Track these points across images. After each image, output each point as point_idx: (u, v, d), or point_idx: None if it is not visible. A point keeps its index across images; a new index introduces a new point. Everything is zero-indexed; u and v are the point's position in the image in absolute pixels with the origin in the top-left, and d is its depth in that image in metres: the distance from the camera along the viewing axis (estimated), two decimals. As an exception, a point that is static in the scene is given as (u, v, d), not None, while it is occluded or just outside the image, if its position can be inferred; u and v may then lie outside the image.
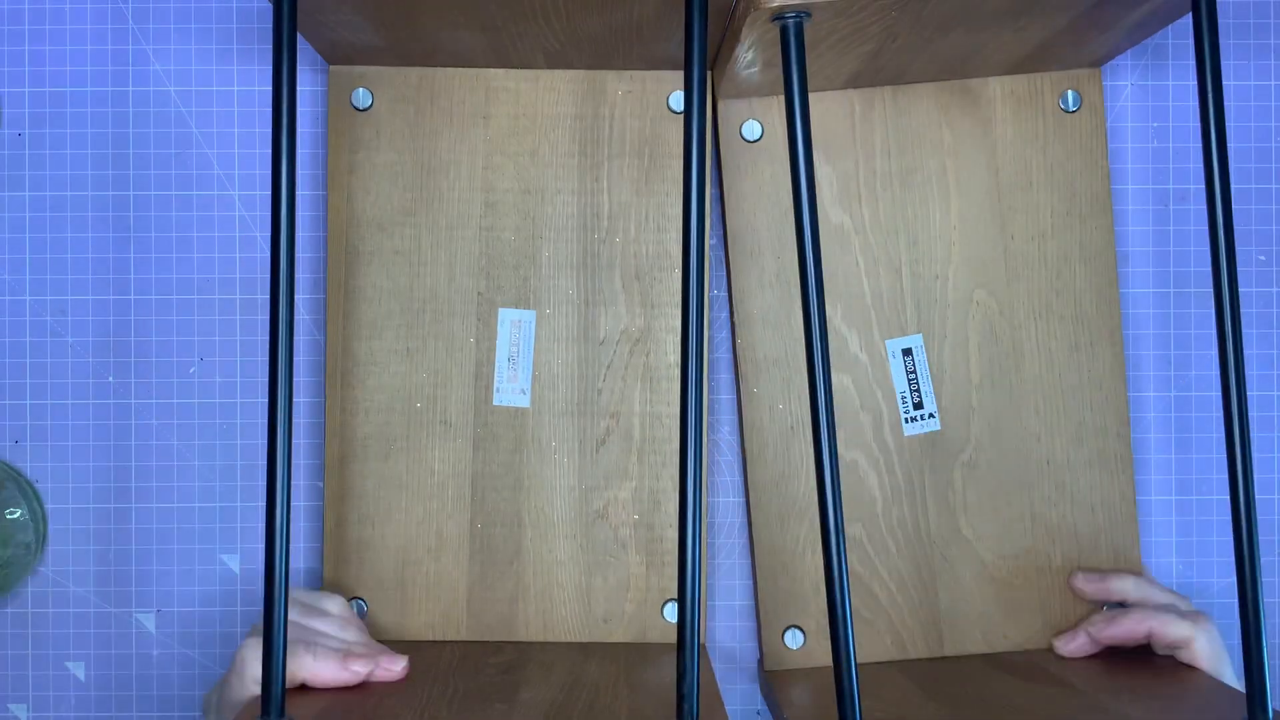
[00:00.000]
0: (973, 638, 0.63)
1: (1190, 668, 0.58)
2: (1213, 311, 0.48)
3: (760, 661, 0.64)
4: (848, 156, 0.63)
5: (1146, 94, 0.65)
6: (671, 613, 0.63)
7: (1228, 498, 0.49)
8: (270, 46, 0.63)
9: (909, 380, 0.63)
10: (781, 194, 0.63)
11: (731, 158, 0.63)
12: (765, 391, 0.63)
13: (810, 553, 0.63)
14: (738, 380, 0.63)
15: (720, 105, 0.63)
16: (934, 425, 0.63)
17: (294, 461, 0.64)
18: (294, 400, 0.51)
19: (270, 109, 0.64)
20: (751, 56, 0.54)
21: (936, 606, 0.63)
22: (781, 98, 0.62)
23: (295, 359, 0.56)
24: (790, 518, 0.63)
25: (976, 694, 0.56)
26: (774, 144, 0.63)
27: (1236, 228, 0.65)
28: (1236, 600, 0.47)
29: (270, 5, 0.54)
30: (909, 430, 0.63)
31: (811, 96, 0.63)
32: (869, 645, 0.63)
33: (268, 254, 0.64)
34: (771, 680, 0.61)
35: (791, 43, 0.46)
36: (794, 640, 0.63)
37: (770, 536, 0.63)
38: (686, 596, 0.44)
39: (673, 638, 0.62)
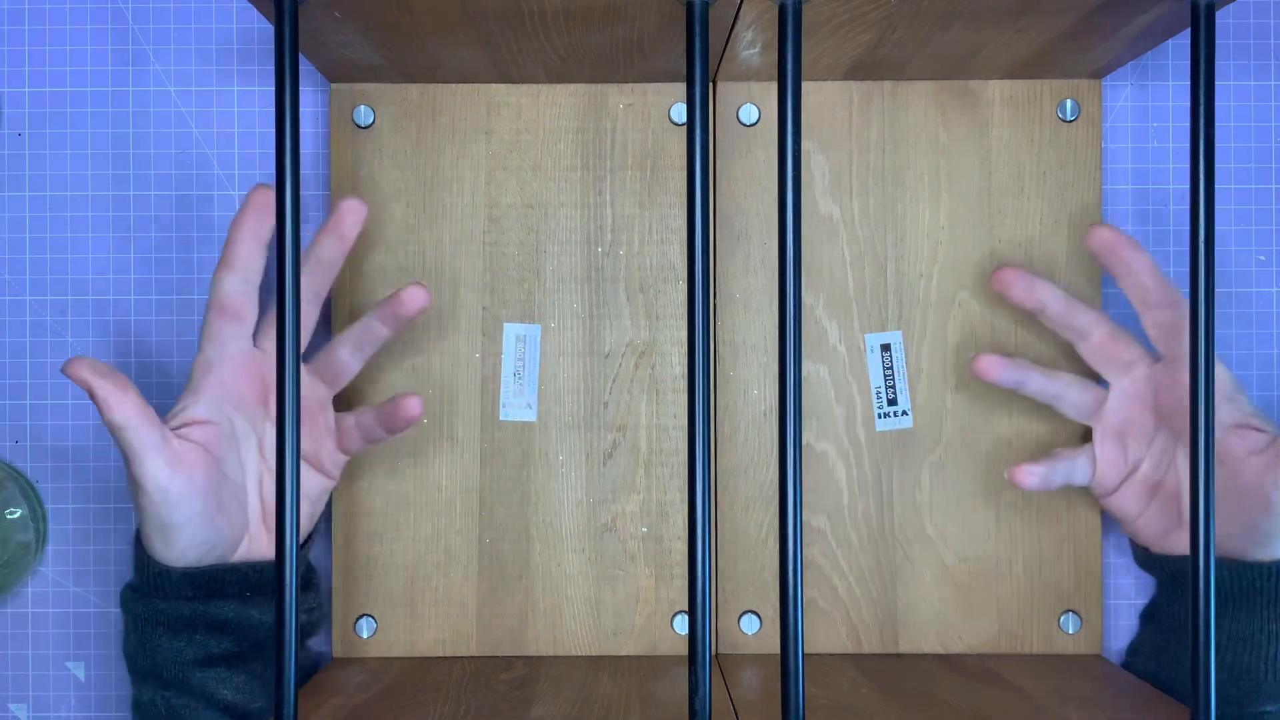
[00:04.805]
0: (927, 637, 0.63)
1: (1139, 680, 0.59)
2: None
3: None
4: (842, 148, 0.63)
5: (1146, 110, 0.65)
6: (681, 625, 0.63)
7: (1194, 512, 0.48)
8: (270, 65, 0.64)
9: (885, 376, 0.63)
10: (773, 180, 0.63)
11: (727, 140, 0.63)
12: (741, 376, 0.63)
13: (773, 539, 0.63)
14: (713, 363, 0.64)
15: (719, 88, 0.63)
16: (906, 423, 0.63)
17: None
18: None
19: (270, 123, 0.64)
20: (751, 36, 0.54)
21: (894, 603, 0.63)
22: (780, 84, 0.62)
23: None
24: (756, 504, 0.63)
25: (926, 692, 0.56)
26: (770, 129, 0.63)
27: (1236, 228, 0.65)
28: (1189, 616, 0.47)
29: (271, 26, 0.54)
30: (881, 426, 0.63)
31: (810, 86, 0.63)
32: (824, 636, 0.63)
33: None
34: (723, 664, 0.61)
35: (789, 24, 0.46)
36: (750, 626, 0.63)
37: (734, 521, 0.63)
38: (697, 609, 0.44)
39: (683, 650, 0.62)
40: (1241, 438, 0.55)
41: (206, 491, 0.53)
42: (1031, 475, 0.58)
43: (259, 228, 0.55)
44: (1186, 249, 0.64)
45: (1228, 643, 0.56)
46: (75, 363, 0.50)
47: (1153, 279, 0.57)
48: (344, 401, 0.62)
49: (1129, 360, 0.58)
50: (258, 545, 0.56)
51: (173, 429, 0.53)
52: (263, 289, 0.56)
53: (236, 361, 0.56)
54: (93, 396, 0.50)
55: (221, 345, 0.55)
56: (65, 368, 0.50)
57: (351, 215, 0.56)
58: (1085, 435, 0.61)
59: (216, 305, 0.55)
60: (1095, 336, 0.58)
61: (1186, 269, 0.64)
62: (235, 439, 0.56)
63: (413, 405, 0.56)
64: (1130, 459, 0.59)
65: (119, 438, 0.51)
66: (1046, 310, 0.59)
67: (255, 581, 0.56)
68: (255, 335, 0.57)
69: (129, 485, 0.53)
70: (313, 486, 0.58)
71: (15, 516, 0.62)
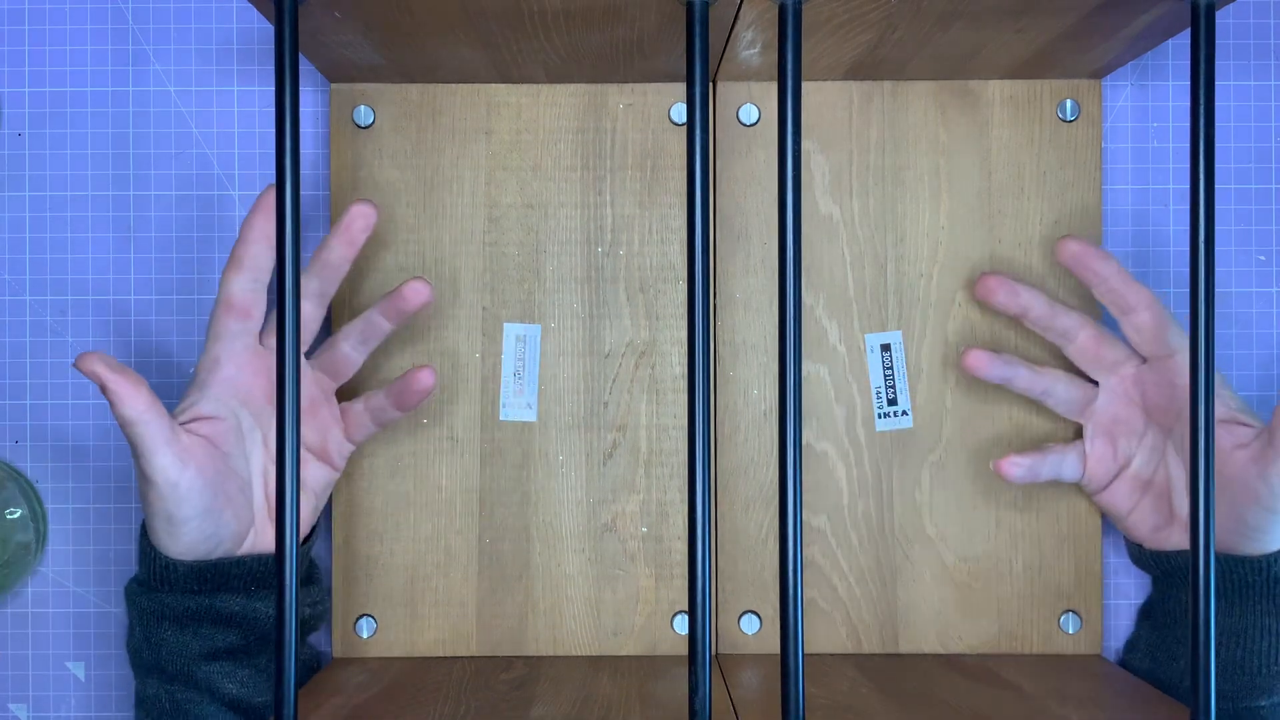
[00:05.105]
0: (927, 637, 0.63)
1: (1139, 680, 0.59)
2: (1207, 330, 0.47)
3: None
4: (842, 148, 0.63)
5: (1146, 110, 0.65)
6: (681, 625, 0.63)
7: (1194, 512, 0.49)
8: (270, 65, 0.64)
9: (885, 376, 0.63)
10: (773, 180, 0.63)
11: (727, 141, 0.63)
12: (741, 376, 0.63)
13: (773, 539, 0.63)
14: (713, 363, 0.63)
15: (719, 88, 0.63)
16: (906, 423, 0.63)
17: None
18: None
19: (270, 123, 0.64)
20: (751, 36, 0.54)
21: (894, 603, 0.63)
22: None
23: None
24: (756, 504, 0.63)
25: (926, 692, 0.56)
26: (770, 129, 0.63)
27: (1236, 228, 0.65)
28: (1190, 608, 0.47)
29: (271, 26, 0.54)
30: (881, 426, 0.63)
31: (810, 86, 0.63)
32: (824, 636, 0.63)
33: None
34: (723, 664, 0.61)
35: (789, 24, 0.46)
36: (750, 626, 0.63)
37: (734, 521, 0.63)
38: (697, 609, 0.44)
39: (683, 650, 0.62)
40: (1228, 432, 0.55)
41: (214, 486, 0.54)
42: (1017, 466, 0.58)
43: (269, 228, 0.55)
44: (1186, 249, 0.64)
45: (1220, 638, 0.56)
46: (87, 357, 0.50)
47: (1124, 284, 0.58)
48: (342, 398, 0.62)
49: (1115, 360, 0.59)
50: (263, 539, 0.57)
51: (180, 424, 0.54)
52: (270, 288, 0.56)
53: (243, 358, 0.56)
54: (104, 391, 0.50)
55: (229, 342, 0.56)
56: (77, 362, 0.50)
57: (361, 220, 0.57)
58: (1081, 434, 0.61)
59: (225, 303, 0.55)
60: (1080, 338, 0.59)
61: (1186, 269, 0.64)
62: (241, 434, 0.56)
63: (425, 377, 0.57)
64: (1120, 456, 0.59)
65: (129, 432, 0.51)
66: (1030, 315, 0.59)
67: (261, 575, 0.56)
68: (261, 334, 0.57)
69: (137, 479, 0.53)
70: (318, 479, 0.59)
71: (15, 516, 0.62)
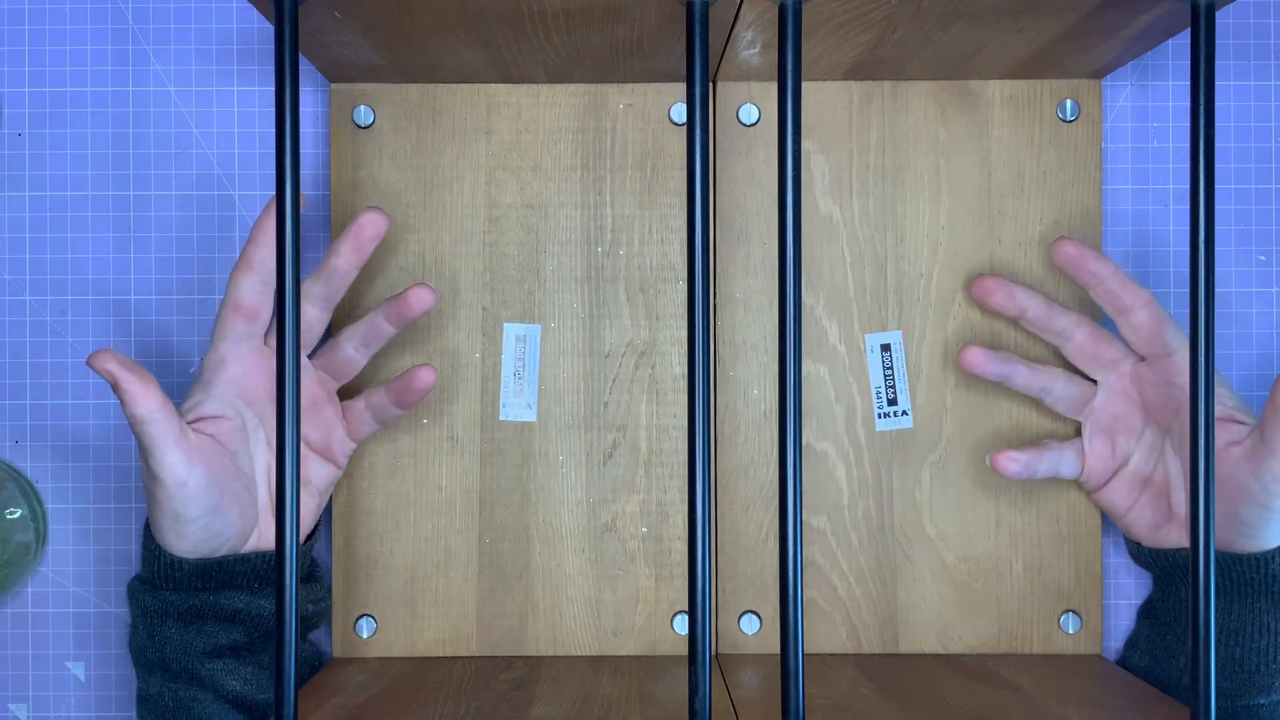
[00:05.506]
0: (927, 637, 0.63)
1: (1139, 680, 0.59)
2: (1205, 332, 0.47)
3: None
4: (842, 148, 0.63)
5: (1146, 110, 0.65)
6: (681, 625, 0.63)
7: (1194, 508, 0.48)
8: (270, 66, 0.64)
9: (885, 376, 0.63)
10: (773, 180, 0.63)
11: (727, 141, 0.63)
12: (741, 376, 0.63)
13: (773, 539, 0.63)
14: (713, 363, 0.63)
15: (719, 88, 0.63)
16: (906, 423, 0.63)
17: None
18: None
19: (270, 123, 0.64)
20: (751, 36, 0.54)
21: (894, 603, 0.63)
22: (781, 84, 0.62)
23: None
24: (755, 504, 0.63)
25: (926, 692, 0.56)
26: (770, 129, 0.63)
27: (1236, 228, 0.65)
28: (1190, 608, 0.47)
29: (271, 26, 0.54)
30: (881, 426, 0.63)
31: (810, 86, 0.63)
32: (824, 636, 0.63)
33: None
34: (723, 664, 0.61)
35: (789, 24, 0.46)
36: (750, 625, 0.63)
37: (734, 521, 0.63)
38: (697, 609, 0.44)
39: (683, 650, 0.62)
40: (1223, 429, 0.56)
41: (220, 485, 0.54)
42: (1014, 462, 0.58)
43: None
44: (1186, 249, 0.64)
45: (1219, 636, 0.56)
46: (100, 355, 0.50)
47: (1121, 285, 0.58)
48: (343, 397, 0.62)
49: (1113, 359, 0.59)
50: (267, 537, 0.57)
51: (187, 423, 0.54)
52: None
53: (248, 359, 0.56)
54: (116, 389, 0.51)
55: (235, 342, 0.56)
56: (90, 360, 0.50)
57: (371, 227, 0.57)
58: (1080, 433, 0.61)
59: (233, 303, 0.56)
60: (1077, 337, 0.59)
61: (1186, 269, 0.64)
62: (246, 433, 0.56)
63: (426, 376, 0.57)
64: (1119, 453, 0.60)
65: (139, 430, 0.51)
66: (1027, 315, 0.59)
67: (265, 572, 0.57)
68: (267, 335, 0.57)
69: (143, 478, 0.53)
70: (322, 477, 0.59)
71: (15, 516, 0.62)
